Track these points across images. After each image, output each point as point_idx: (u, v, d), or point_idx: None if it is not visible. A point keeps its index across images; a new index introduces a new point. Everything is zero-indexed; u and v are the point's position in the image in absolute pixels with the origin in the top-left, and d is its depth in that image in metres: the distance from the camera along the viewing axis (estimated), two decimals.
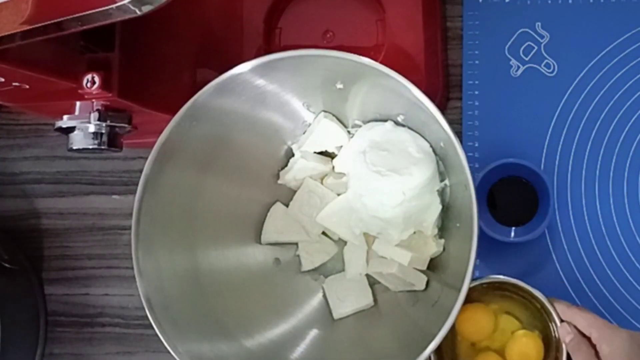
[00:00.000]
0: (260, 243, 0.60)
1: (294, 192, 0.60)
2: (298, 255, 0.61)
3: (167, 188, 0.53)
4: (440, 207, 0.56)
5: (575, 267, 0.64)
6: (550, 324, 0.54)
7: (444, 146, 0.53)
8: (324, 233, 0.61)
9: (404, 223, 0.55)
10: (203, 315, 0.54)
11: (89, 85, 0.48)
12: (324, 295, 0.60)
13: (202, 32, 0.63)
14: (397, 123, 0.56)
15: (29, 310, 0.70)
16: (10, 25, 0.39)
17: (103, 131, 0.52)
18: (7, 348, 0.65)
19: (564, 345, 0.51)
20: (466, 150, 0.54)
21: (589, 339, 0.51)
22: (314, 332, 0.58)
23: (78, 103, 0.52)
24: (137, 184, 0.51)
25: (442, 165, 0.56)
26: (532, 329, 0.55)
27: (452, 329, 0.49)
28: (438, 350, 0.53)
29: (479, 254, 0.46)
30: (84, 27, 0.38)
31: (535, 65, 0.66)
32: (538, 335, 0.55)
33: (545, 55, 0.66)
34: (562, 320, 0.52)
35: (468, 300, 0.47)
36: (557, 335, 0.52)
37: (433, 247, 0.57)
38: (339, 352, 0.57)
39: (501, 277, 0.54)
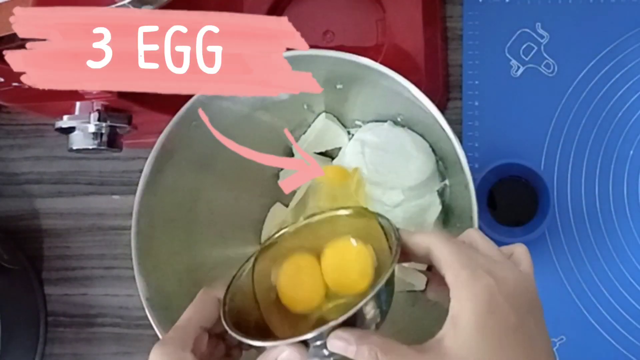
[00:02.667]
0: (260, 243, 0.60)
1: (294, 192, 0.60)
2: None
3: (167, 188, 0.53)
4: (440, 207, 0.56)
5: (575, 267, 0.64)
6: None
7: (443, 146, 0.52)
8: None
9: (404, 223, 0.55)
10: None
11: None
12: None
13: None
14: (396, 123, 0.56)
15: (29, 310, 0.70)
16: (11, 25, 0.39)
17: (103, 131, 0.52)
18: (7, 348, 0.65)
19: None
20: (466, 150, 0.54)
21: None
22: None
23: (78, 103, 0.52)
24: (137, 184, 0.51)
25: (442, 165, 0.56)
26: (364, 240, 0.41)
27: None
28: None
29: None
30: None
31: (535, 66, 0.66)
32: (366, 246, 0.41)
33: (545, 55, 0.66)
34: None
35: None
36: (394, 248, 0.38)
37: None
38: None
39: None
